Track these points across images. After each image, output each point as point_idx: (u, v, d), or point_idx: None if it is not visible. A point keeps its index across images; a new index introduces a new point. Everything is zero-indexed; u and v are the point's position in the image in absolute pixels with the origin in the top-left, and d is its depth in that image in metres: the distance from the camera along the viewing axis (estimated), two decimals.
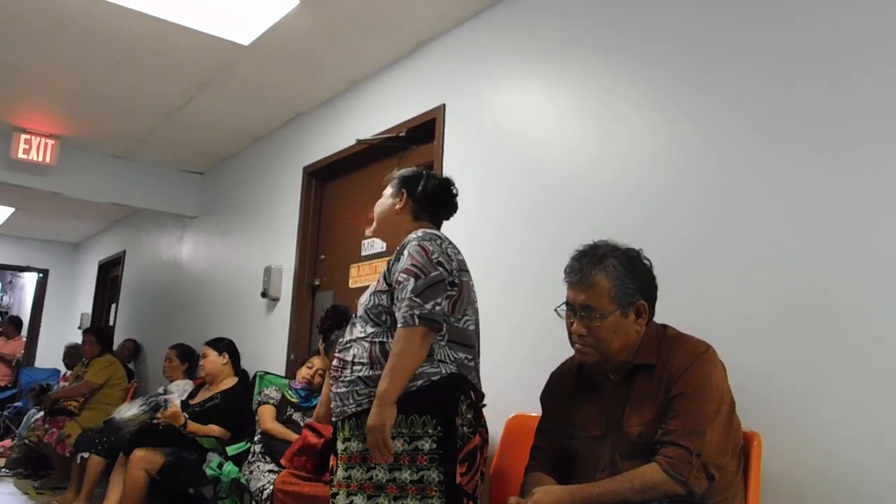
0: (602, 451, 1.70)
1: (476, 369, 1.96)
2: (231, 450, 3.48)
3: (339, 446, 1.92)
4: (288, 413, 3.44)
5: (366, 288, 3.62)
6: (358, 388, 1.87)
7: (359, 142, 3.72)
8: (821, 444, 1.73)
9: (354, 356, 1.91)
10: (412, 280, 1.83)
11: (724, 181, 2.06)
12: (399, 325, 1.82)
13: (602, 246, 1.75)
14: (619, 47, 2.46)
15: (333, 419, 1.98)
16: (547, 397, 1.91)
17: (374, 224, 2.20)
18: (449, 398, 1.84)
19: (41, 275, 9.71)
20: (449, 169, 3.07)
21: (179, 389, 4.64)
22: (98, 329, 6.12)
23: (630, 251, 1.76)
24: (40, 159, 4.97)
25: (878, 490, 1.62)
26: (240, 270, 4.90)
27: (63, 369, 6.78)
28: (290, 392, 3.54)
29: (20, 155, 4.90)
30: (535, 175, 2.71)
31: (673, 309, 1.83)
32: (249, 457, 3.32)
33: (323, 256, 4.19)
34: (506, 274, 2.70)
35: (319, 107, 4.30)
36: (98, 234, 8.89)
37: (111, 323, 7.60)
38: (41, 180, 5.16)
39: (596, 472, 1.66)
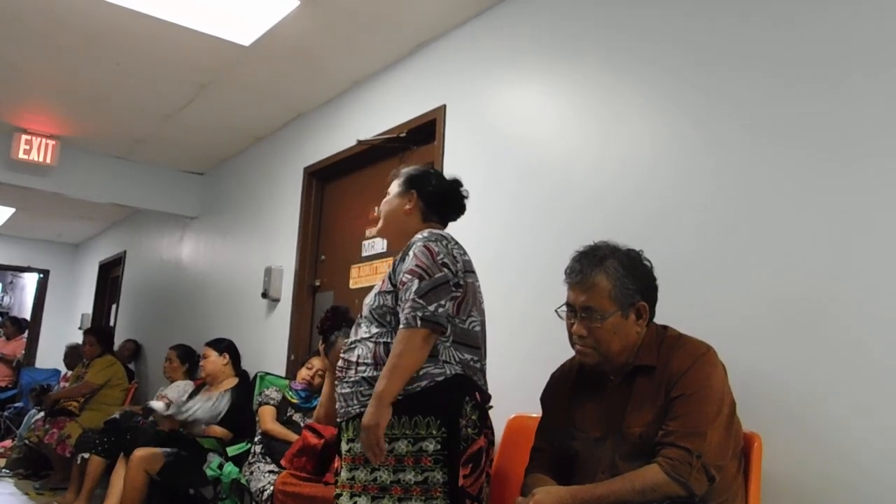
0: (602, 452, 1.69)
1: (482, 370, 1.96)
2: (231, 450, 3.48)
3: (343, 447, 1.92)
4: (288, 414, 3.44)
5: (367, 288, 3.63)
6: (362, 388, 1.86)
7: (359, 142, 3.72)
8: (821, 445, 1.73)
9: (359, 357, 1.91)
10: (416, 281, 1.83)
11: (725, 181, 2.06)
12: (401, 326, 1.81)
13: (602, 247, 1.75)
14: (620, 48, 2.46)
15: (338, 420, 1.97)
16: (547, 398, 1.91)
17: (381, 223, 2.18)
18: (453, 399, 1.84)
19: (42, 275, 9.71)
20: (449, 169, 3.07)
21: (180, 390, 4.64)
22: (98, 329, 6.12)
23: (630, 252, 1.76)
24: (41, 160, 4.97)
25: (879, 490, 1.62)
26: (240, 271, 4.90)
27: (63, 370, 6.78)
28: (290, 393, 3.54)
29: (21, 155, 4.90)
30: (536, 175, 2.71)
31: (673, 310, 1.83)
32: (250, 457, 3.32)
33: (323, 257, 4.19)
34: (506, 274, 2.70)
35: (320, 107, 4.30)
36: (98, 234, 8.89)
37: (112, 323, 7.60)
38: (41, 181, 5.16)
39: (596, 474, 1.66)
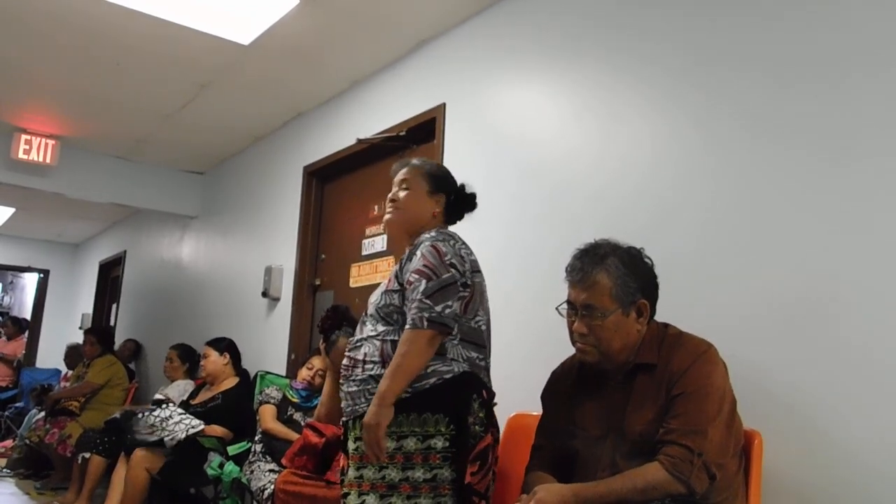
0: (603, 450, 1.69)
1: (487, 369, 1.96)
2: (232, 449, 3.49)
3: (350, 445, 1.90)
4: (289, 413, 3.45)
5: (367, 287, 3.63)
6: (370, 386, 1.86)
7: (359, 141, 3.72)
8: (822, 443, 1.73)
9: (366, 354, 1.90)
10: (424, 281, 1.83)
11: (725, 181, 2.06)
12: (407, 326, 1.81)
13: (603, 245, 1.75)
14: (620, 47, 2.46)
15: (344, 418, 1.96)
16: (547, 396, 1.91)
17: (398, 215, 2.06)
18: (461, 397, 1.84)
19: (42, 275, 9.71)
20: (449, 168, 3.07)
21: (180, 389, 4.65)
22: (99, 329, 6.12)
23: (631, 250, 1.76)
24: (41, 160, 4.97)
25: (880, 489, 1.62)
26: (240, 270, 4.90)
27: (64, 369, 6.78)
28: (291, 392, 3.55)
29: (21, 155, 4.90)
30: (536, 174, 2.71)
31: (674, 308, 1.83)
32: (250, 456, 3.32)
33: (323, 256, 4.19)
34: (507, 273, 2.70)
35: (320, 106, 4.30)
36: (99, 234, 8.89)
37: (112, 323, 7.60)
38: (42, 181, 5.16)
39: (596, 472, 1.66)
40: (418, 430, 1.80)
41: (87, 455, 4.10)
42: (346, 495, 1.86)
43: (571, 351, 1.82)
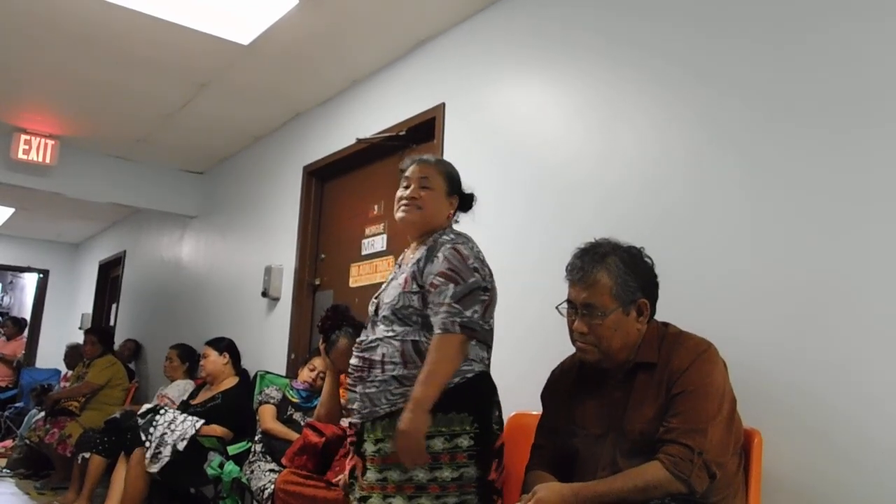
0: (603, 449, 1.69)
1: (489, 368, 1.99)
2: (232, 449, 3.48)
3: (370, 448, 1.86)
4: (289, 413, 3.45)
5: (367, 287, 3.62)
6: (391, 387, 1.85)
7: (359, 141, 3.72)
8: (822, 442, 1.73)
9: (384, 355, 1.88)
10: (451, 286, 1.83)
11: (731, 177, 2.06)
12: (438, 331, 1.81)
13: (604, 244, 1.75)
14: (620, 43, 2.46)
15: (356, 420, 1.92)
16: (547, 395, 1.91)
17: (419, 215, 2.02)
18: (484, 395, 1.88)
19: (41, 275, 9.70)
20: None
21: (180, 389, 4.65)
22: (99, 329, 6.12)
23: (631, 249, 1.76)
24: (40, 159, 4.97)
25: (879, 488, 1.62)
26: (240, 270, 4.90)
27: (64, 369, 6.78)
28: (291, 392, 3.54)
29: (20, 155, 4.90)
30: (536, 173, 2.71)
31: (675, 306, 1.83)
32: (250, 456, 3.32)
33: (323, 256, 4.19)
34: (507, 272, 2.69)
35: (319, 106, 4.30)
36: (98, 234, 8.89)
37: (112, 323, 7.60)
38: (41, 181, 5.16)
39: (596, 471, 1.66)
40: (445, 429, 1.80)
41: (87, 455, 4.10)
42: (365, 499, 1.82)
43: (570, 350, 1.82)
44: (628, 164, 2.36)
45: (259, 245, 4.73)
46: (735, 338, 1.85)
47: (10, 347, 8.17)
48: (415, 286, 1.91)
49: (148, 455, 3.46)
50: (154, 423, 3.55)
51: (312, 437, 2.71)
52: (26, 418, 5.86)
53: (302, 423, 3.25)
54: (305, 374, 3.56)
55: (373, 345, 1.92)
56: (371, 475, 1.84)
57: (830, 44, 1.87)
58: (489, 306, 1.92)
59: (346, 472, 1.99)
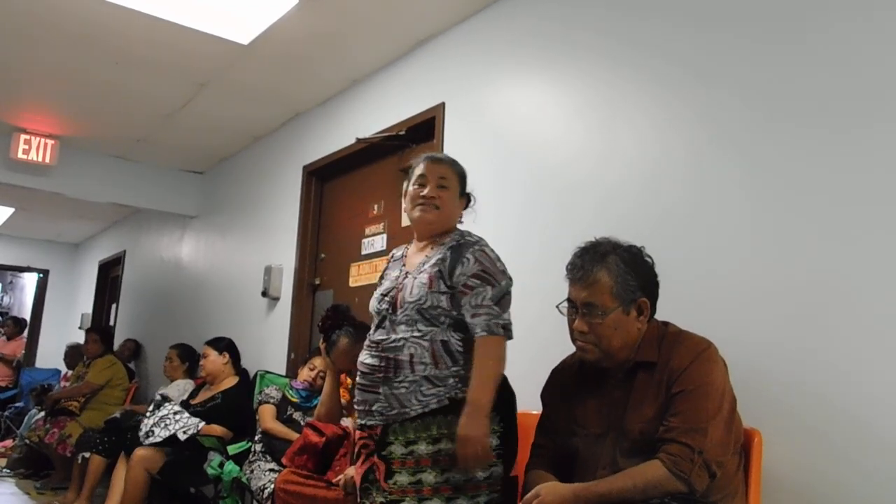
0: (603, 448, 1.70)
1: None
2: (232, 449, 3.49)
3: (398, 450, 1.83)
4: (288, 413, 3.45)
5: (367, 287, 3.60)
6: (423, 388, 1.83)
7: (359, 140, 3.72)
8: (822, 442, 1.73)
9: (412, 356, 1.85)
10: (488, 288, 1.86)
11: (730, 176, 2.06)
12: (482, 333, 1.83)
13: (604, 243, 1.75)
14: (620, 42, 2.46)
15: (379, 421, 1.87)
16: (547, 394, 1.91)
17: (438, 216, 2.02)
18: (506, 395, 1.90)
19: (41, 275, 9.70)
20: None
21: (180, 389, 4.65)
22: (101, 328, 6.12)
23: (632, 248, 1.76)
24: (40, 159, 4.97)
25: (880, 488, 1.62)
26: (240, 270, 4.90)
27: (64, 369, 6.78)
28: (290, 392, 3.55)
29: (20, 155, 4.90)
30: (536, 173, 2.71)
31: (675, 306, 1.83)
32: (250, 456, 3.32)
33: (323, 255, 4.19)
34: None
35: (319, 106, 4.30)
36: (98, 234, 8.89)
37: (112, 323, 7.60)
38: (41, 180, 5.16)
39: (596, 470, 1.66)
40: None
41: (87, 455, 4.11)
42: (397, 502, 1.79)
43: (570, 349, 1.82)
44: (628, 163, 2.36)
45: (259, 245, 4.73)
46: (735, 338, 1.85)
47: (10, 347, 8.17)
48: (443, 286, 1.90)
49: (143, 430, 3.49)
50: (160, 406, 3.58)
51: (312, 436, 2.71)
52: (26, 418, 5.86)
53: (302, 423, 3.25)
54: (305, 374, 3.56)
55: (396, 344, 1.89)
56: (402, 478, 1.80)
57: (831, 43, 1.87)
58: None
59: (358, 475, 1.93)
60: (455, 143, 3.14)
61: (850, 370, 1.71)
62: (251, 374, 4.11)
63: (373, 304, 2.04)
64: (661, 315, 1.79)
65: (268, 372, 4.01)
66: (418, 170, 2.05)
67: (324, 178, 4.28)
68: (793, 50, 1.95)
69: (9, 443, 6.17)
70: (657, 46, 2.33)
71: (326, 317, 2.67)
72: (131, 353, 6.51)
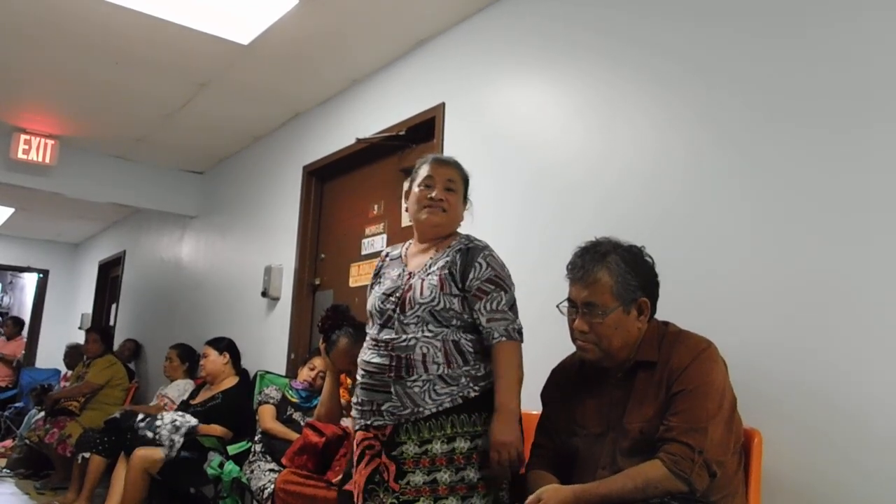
0: (603, 448, 1.69)
1: None
2: (232, 449, 3.49)
3: (412, 449, 1.82)
4: (288, 413, 3.45)
5: (367, 287, 3.59)
6: (437, 387, 1.84)
7: (359, 141, 3.72)
8: (822, 442, 1.73)
9: (425, 355, 1.85)
10: (502, 294, 1.90)
11: (729, 176, 2.06)
12: (501, 339, 1.86)
13: (604, 243, 1.75)
14: (620, 42, 2.46)
15: (390, 421, 1.86)
16: (547, 395, 1.91)
17: (446, 218, 2.03)
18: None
19: (41, 275, 9.70)
20: None
21: (180, 389, 4.65)
22: (101, 328, 6.12)
23: (632, 248, 1.76)
24: (40, 159, 4.97)
25: (880, 488, 1.62)
26: (240, 270, 4.90)
27: (64, 369, 6.78)
28: (290, 392, 3.54)
29: (20, 155, 4.89)
30: (536, 173, 2.71)
31: (675, 305, 1.83)
32: (250, 456, 3.32)
33: (323, 256, 4.19)
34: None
35: (319, 106, 4.30)
36: (98, 234, 8.89)
37: (112, 323, 7.60)
38: (41, 180, 5.16)
39: (596, 470, 1.66)
40: (488, 427, 1.82)
41: (87, 455, 4.10)
42: (410, 502, 1.78)
43: (570, 349, 1.82)
44: (628, 163, 2.36)
45: (259, 245, 4.73)
46: (735, 338, 1.85)
47: (9, 347, 8.17)
48: (454, 289, 1.91)
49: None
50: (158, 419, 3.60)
51: (312, 436, 2.71)
52: (26, 418, 5.86)
53: (302, 423, 3.25)
54: (305, 374, 3.56)
55: (407, 343, 1.88)
56: (417, 478, 1.80)
57: (831, 40, 1.87)
58: None
59: (363, 477, 1.90)
60: (455, 143, 3.14)
61: (850, 370, 1.71)
62: (251, 375, 4.11)
63: (373, 304, 2.02)
64: (661, 315, 1.79)
65: (268, 372, 4.01)
66: (423, 171, 2.05)
67: (324, 178, 4.28)
68: (793, 49, 1.95)
69: (9, 443, 6.17)
70: (657, 46, 2.32)
71: (326, 317, 2.67)
72: (131, 354, 6.51)
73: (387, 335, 1.92)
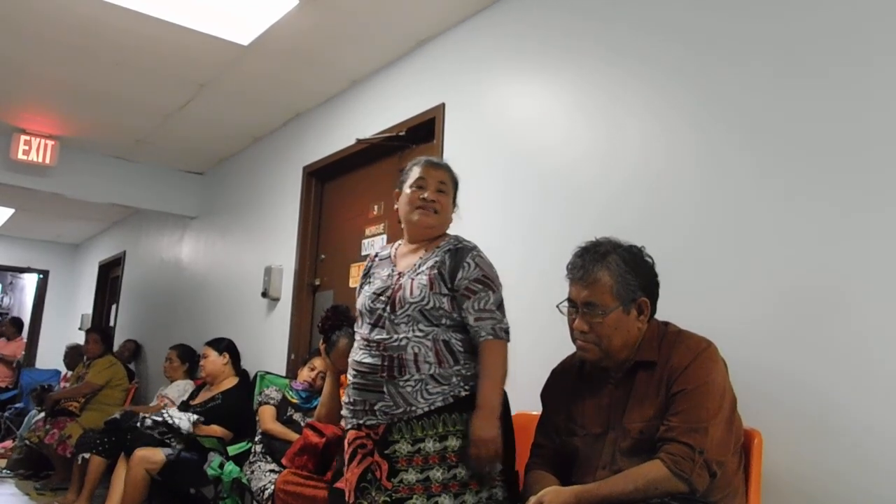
0: (603, 448, 1.69)
1: None
2: (232, 450, 3.49)
3: (405, 448, 1.83)
4: (288, 413, 3.44)
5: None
6: (429, 386, 1.86)
7: (359, 141, 3.72)
8: (822, 442, 1.73)
9: (417, 354, 1.87)
10: (490, 293, 1.92)
11: (724, 181, 2.06)
12: (488, 337, 1.89)
13: (604, 243, 1.75)
14: (620, 42, 2.46)
15: (382, 420, 1.87)
16: (548, 394, 1.91)
17: (437, 220, 2.05)
18: (503, 394, 1.93)
19: (41, 276, 9.70)
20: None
21: (180, 389, 4.65)
22: (101, 328, 6.12)
23: (632, 248, 1.76)
24: (40, 160, 4.97)
25: (879, 488, 1.62)
26: (240, 270, 4.90)
27: (64, 370, 6.78)
28: (290, 392, 3.54)
29: (20, 156, 4.90)
30: (536, 173, 2.71)
31: (675, 305, 1.83)
32: (250, 457, 3.32)
33: (323, 256, 4.19)
34: (507, 272, 2.69)
35: (319, 106, 4.30)
36: (98, 234, 8.89)
37: (112, 323, 7.60)
38: (41, 181, 5.16)
39: (596, 470, 1.66)
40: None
41: (87, 455, 4.10)
42: (402, 500, 1.78)
43: (570, 349, 1.82)
44: (633, 164, 2.36)
45: (259, 245, 4.73)
46: (735, 337, 1.85)
47: (9, 348, 8.17)
48: (444, 289, 1.93)
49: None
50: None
51: (313, 437, 2.71)
52: (26, 419, 5.87)
53: (302, 424, 3.25)
54: (305, 375, 3.56)
55: (398, 343, 1.89)
56: (410, 476, 1.81)
57: (831, 37, 1.87)
58: None
59: (354, 475, 1.90)
60: (455, 143, 3.14)
61: (850, 370, 1.71)
62: (251, 375, 4.11)
63: (363, 303, 2.03)
64: (664, 316, 1.79)
65: (268, 373, 4.01)
66: (415, 173, 2.08)
67: (324, 178, 4.28)
68: (795, 49, 1.95)
69: (9, 443, 6.17)
70: (656, 46, 2.32)
71: (326, 317, 2.67)
72: (131, 354, 6.51)
73: (378, 335, 1.94)
